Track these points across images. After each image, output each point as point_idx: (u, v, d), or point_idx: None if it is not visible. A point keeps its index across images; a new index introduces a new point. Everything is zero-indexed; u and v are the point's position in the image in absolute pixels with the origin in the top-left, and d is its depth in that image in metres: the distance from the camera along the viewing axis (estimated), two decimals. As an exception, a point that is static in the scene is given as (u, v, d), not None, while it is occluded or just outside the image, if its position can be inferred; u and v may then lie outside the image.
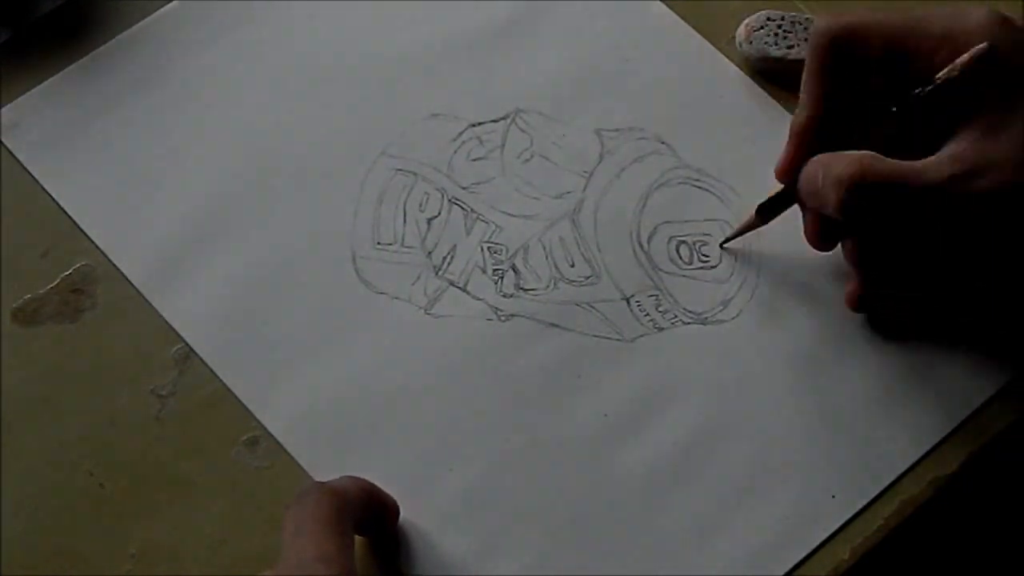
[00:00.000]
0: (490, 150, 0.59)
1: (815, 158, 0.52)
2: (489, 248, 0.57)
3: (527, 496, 0.52)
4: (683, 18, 0.62)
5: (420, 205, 0.58)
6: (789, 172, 0.54)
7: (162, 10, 0.62)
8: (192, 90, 0.61)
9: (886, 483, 0.53)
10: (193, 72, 0.61)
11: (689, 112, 0.60)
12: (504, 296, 0.56)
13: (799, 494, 0.52)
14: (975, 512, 0.58)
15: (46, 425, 0.54)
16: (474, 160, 0.59)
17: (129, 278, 0.56)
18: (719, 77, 0.61)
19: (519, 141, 0.59)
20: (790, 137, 0.54)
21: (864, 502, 0.52)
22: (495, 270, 0.57)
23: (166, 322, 0.55)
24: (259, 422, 0.54)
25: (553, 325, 0.56)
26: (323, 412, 0.54)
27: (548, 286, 0.56)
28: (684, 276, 0.57)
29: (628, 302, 0.56)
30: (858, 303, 0.55)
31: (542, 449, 0.53)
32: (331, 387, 0.54)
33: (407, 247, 0.57)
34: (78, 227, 0.57)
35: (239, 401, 0.54)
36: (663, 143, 0.59)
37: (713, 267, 0.57)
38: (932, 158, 0.50)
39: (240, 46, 0.62)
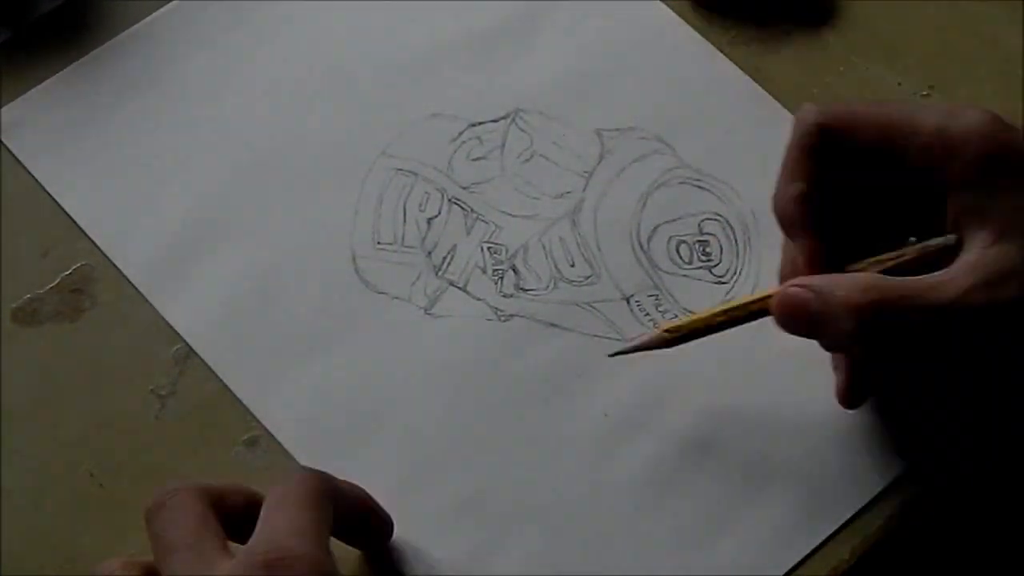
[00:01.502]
0: (490, 150, 0.59)
1: (796, 281, 0.49)
2: (489, 248, 0.57)
3: (527, 496, 0.52)
4: (683, 18, 0.62)
5: (420, 205, 0.58)
6: (815, 266, 0.50)
7: (162, 10, 0.62)
8: (192, 90, 0.61)
9: (887, 482, 0.53)
10: (193, 72, 0.61)
11: (689, 112, 0.60)
12: (504, 296, 0.56)
13: (799, 494, 0.52)
14: (977, 512, 0.58)
15: (46, 425, 0.54)
16: (474, 160, 0.59)
17: (129, 278, 0.56)
18: (719, 77, 0.61)
19: (519, 141, 0.59)
20: (786, 229, 0.51)
21: (864, 502, 0.52)
22: (495, 270, 0.57)
23: (166, 322, 0.55)
24: (259, 422, 0.54)
25: (553, 325, 0.55)
26: (323, 412, 0.54)
27: (548, 286, 0.56)
28: (684, 276, 0.57)
29: (628, 302, 0.56)
30: (850, 401, 0.53)
31: (542, 449, 0.53)
32: (331, 387, 0.54)
33: (407, 247, 0.57)
34: (78, 227, 0.57)
35: (239, 401, 0.54)
36: (663, 143, 0.59)
37: (713, 267, 0.57)
38: (945, 272, 0.48)
39: (240, 46, 0.62)
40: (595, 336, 0.55)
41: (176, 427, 0.54)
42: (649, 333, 0.53)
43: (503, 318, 0.56)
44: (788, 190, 0.51)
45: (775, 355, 0.55)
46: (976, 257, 0.48)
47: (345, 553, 0.50)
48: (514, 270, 0.57)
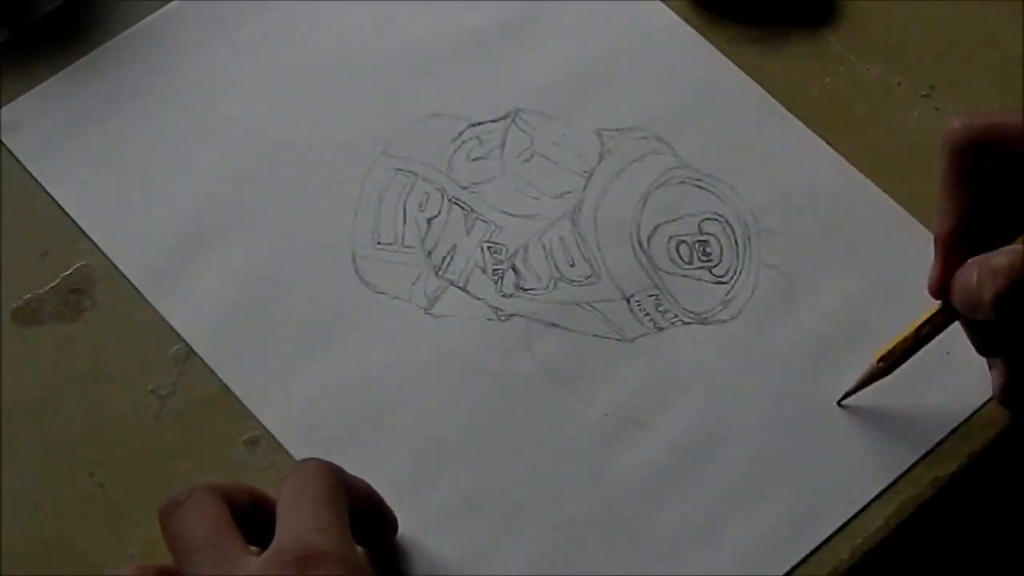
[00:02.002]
0: (490, 150, 0.59)
1: (969, 261, 0.49)
2: (489, 248, 0.57)
3: (527, 496, 0.52)
4: (683, 18, 0.62)
5: (420, 205, 0.58)
6: (939, 287, 0.51)
7: (162, 10, 0.62)
8: (192, 90, 0.61)
9: (886, 483, 0.53)
10: (193, 72, 0.61)
11: (689, 112, 0.60)
12: (504, 296, 0.56)
13: (799, 494, 0.52)
14: (976, 512, 0.58)
15: (46, 425, 0.54)
16: (474, 160, 0.59)
17: (129, 278, 0.56)
18: (719, 77, 0.61)
19: (519, 141, 0.59)
20: (936, 251, 0.51)
21: (864, 502, 0.52)
22: (495, 270, 0.57)
23: (166, 322, 0.55)
24: (259, 422, 0.54)
25: (553, 325, 0.56)
26: (323, 412, 0.54)
27: (548, 286, 0.56)
28: (684, 276, 0.57)
29: (628, 302, 0.56)
30: (1006, 400, 0.53)
31: (542, 449, 0.53)
32: (331, 387, 0.54)
33: (407, 247, 0.57)
34: (78, 227, 0.57)
35: (239, 401, 0.54)
36: (663, 143, 0.59)
37: (713, 267, 0.57)
38: None
39: (240, 46, 0.62)
40: (595, 336, 0.55)
41: (176, 427, 0.54)
42: (866, 367, 0.53)
43: (503, 318, 0.56)
44: (945, 217, 0.50)
45: (775, 355, 0.55)
46: None
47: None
48: (514, 270, 0.57)
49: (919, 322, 0.52)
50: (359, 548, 0.51)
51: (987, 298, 0.47)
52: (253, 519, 0.46)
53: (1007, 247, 0.48)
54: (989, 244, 0.49)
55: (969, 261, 0.49)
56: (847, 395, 0.54)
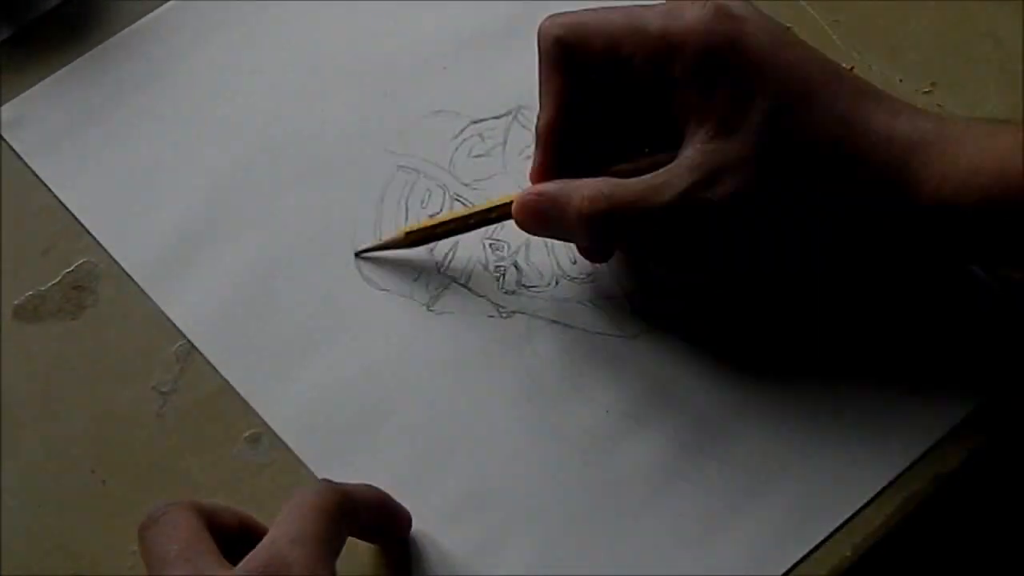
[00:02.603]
0: (492, 147, 0.59)
1: (534, 188, 0.52)
2: (491, 245, 0.57)
3: (528, 493, 0.52)
4: (684, 15, 0.62)
5: (422, 202, 0.58)
6: (543, 175, 0.53)
7: (163, 7, 0.62)
8: (193, 87, 0.61)
9: (888, 479, 0.53)
10: (194, 69, 0.61)
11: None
12: (506, 293, 0.56)
13: (800, 492, 0.52)
14: (978, 509, 0.58)
15: (47, 422, 0.54)
16: (476, 157, 0.59)
17: (131, 275, 0.56)
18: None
19: (521, 138, 0.59)
20: (537, 142, 0.53)
21: (865, 499, 0.52)
22: (497, 267, 0.57)
23: (168, 319, 0.55)
24: (261, 419, 0.54)
25: (555, 322, 0.55)
26: (325, 409, 0.54)
27: (550, 283, 0.56)
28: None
29: (630, 299, 0.56)
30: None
31: (543, 446, 0.53)
32: (333, 384, 0.54)
33: (409, 244, 0.57)
34: (80, 224, 0.57)
35: (241, 398, 0.54)
36: (665, 140, 0.59)
37: (715, 264, 0.57)
38: (667, 170, 0.49)
39: (241, 43, 0.62)
40: (597, 333, 0.55)
41: (178, 424, 0.54)
42: (392, 232, 0.55)
43: (505, 315, 0.56)
44: (544, 109, 0.52)
45: (775, 355, 0.55)
46: (694, 154, 0.49)
47: (351, 547, 0.49)
48: (516, 267, 0.57)
49: (470, 210, 0.55)
50: (364, 543, 0.51)
51: (578, 233, 0.51)
52: (241, 541, 0.46)
53: (589, 181, 0.51)
54: (582, 143, 0.52)
55: (532, 191, 0.52)
56: (365, 250, 0.56)
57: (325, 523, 0.45)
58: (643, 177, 0.50)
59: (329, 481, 0.48)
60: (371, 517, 0.49)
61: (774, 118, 0.48)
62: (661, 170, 0.50)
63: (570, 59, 0.51)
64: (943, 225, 0.49)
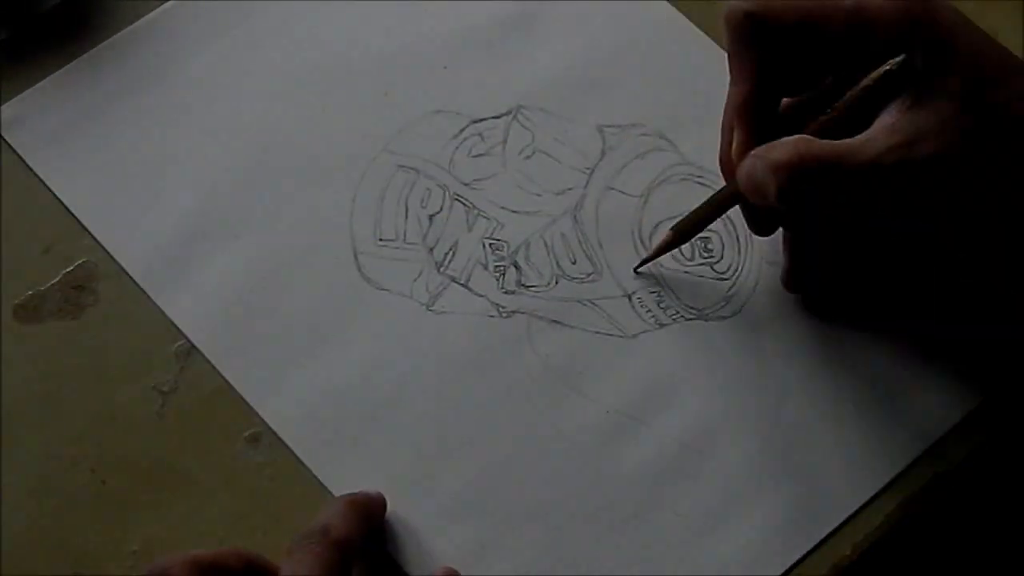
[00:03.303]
0: (492, 146, 0.59)
1: (751, 154, 0.51)
2: (491, 244, 0.57)
3: (528, 493, 0.52)
4: (684, 14, 0.62)
5: (422, 201, 0.58)
6: (745, 153, 0.52)
7: (163, 7, 0.62)
8: (193, 87, 0.61)
9: (888, 479, 0.53)
10: (194, 69, 0.61)
11: (691, 108, 0.60)
12: (506, 293, 0.56)
13: (800, 491, 0.52)
14: (977, 507, 0.58)
15: (47, 422, 0.54)
16: (476, 156, 0.59)
17: (131, 274, 0.56)
18: (721, 74, 0.61)
19: (521, 137, 0.59)
20: (735, 120, 0.53)
21: (866, 499, 0.52)
22: (497, 266, 0.57)
23: (168, 318, 0.55)
24: (261, 418, 0.54)
25: (555, 322, 0.56)
26: (325, 408, 0.54)
27: (550, 283, 0.56)
28: (686, 272, 0.57)
29: (630, 298, 0.56)
30: (791, 283, 0.56)
31: (543, 446, 0.53)
32: (333, 383, 0.54)
33: (409, 243, 0.57)
34: (80, 224, 0.57)
35: (241, 397, 0.54)
36: (665, 139, 0.59)
37: (715, 263, 0.57)
38: (865, 134, 0.50)
39: (242, 42, 0.62)
40: (597, 333, 0.55)
41: (178, 423, 0.54)
42: (661, 236, 0.55)
43: (505, 314, 0.56)
44: (738, 88, 0.52)
45: (777, 351, 0.55)
46: (894, 119, 0.49)
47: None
48: (516, 266, 0.57)
49: (711, 198, 0.54)
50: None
51: (771, 190, 0.49)
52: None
53: (786, 139, 0.50)
54: (776, 123, 0.52)
55: (751, 153, 0.51)
56: (643, 263, 0.56)
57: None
58: (842, 140, 0.50)
59: (325, 532, 0.48)
60: (362, 540, 0.49)
61: (970, 88, 0.49)
62: (860, 135, 0.50)
63: (761, 33, 0.52)
64: None
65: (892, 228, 0.53)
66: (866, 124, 0.50)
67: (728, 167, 0.53)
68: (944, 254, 0.55)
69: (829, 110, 0.51)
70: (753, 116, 0.52)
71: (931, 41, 0.49)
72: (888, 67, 0.49)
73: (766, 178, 0.50)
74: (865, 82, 0.50)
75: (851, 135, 0.49)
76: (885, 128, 0.49)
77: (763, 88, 0.52)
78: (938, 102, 0.49)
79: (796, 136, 0.50)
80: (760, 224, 0.55)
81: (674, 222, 0.56)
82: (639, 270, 0.56)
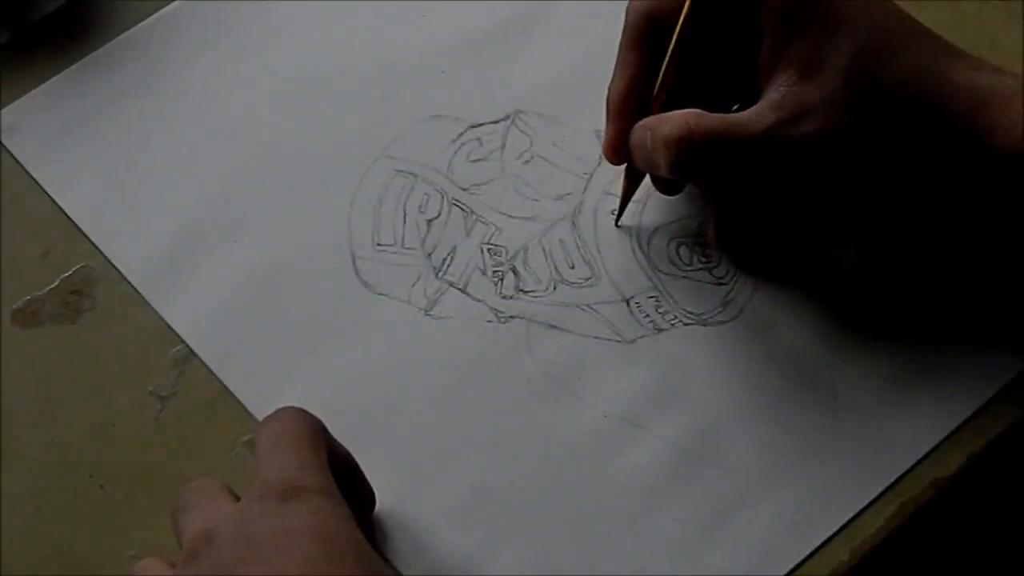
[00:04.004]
0: (490, 151, 0.59)
1: (640, 123, 0.53)
2: (489, 250, 0.57)
3: (526, 497, 0.52)
4: (683, 19, 0.62)
5: (420, 206, 0.58)
6: (619, 149, 0.54)
7: (162, 11, 0.62)
8: (192, 91, 0.61)
9: (887, 483, 0.53)
10: (193, 73, 0.61)
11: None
12: (504, 298, 0.56)
13: (799, 494, 0.52)
14: (976, 513, 0.58)
15: (46, 426, 0.54)
16: (474, 161, 0.59)
17: (129, 279, 0.56)
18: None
19: (519, 142, 0.59)
20: (610, 114, 0.54)
21: (864, 503, 0.52)
22: (495, 272, 0.57)
23: (166, 323, 0.55)
24: (259, 424, 0.53)
25: (553, 327, 0.55)
26: (323, 414, 0.53)
27: (548, 288, 0.56)
28: (684, 277, 0.57)
29: (628, 303, 0.56)
30: (717, 239, 0.56)
31: (541, 450, 0.53)
32: (331, 388, 0.54)
33: (407, 248, 0.57)
34: (78, 228, 0.57)
35: (239, 402, 0.54)
36: (663, 144, 0.59)
37: (713, 268, 0.57)
38: (753, 108, 0.50)
39: (240, 47, 0.62)
40: (595, 338, 0.55)
41: (176, 428, 0.54)
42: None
43: (503, 320, 0.56)
44: (618, 82, 0.54)
45: (775, 356, 0.55)
46: (779, 96, 0.50)
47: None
48: (514, 272, 0.57)
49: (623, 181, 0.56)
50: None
51: (663, 164, 0.51)
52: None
53: (675, 112, 0.51)
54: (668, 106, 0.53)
55: (640, 124, 0.53)
56: (619, 216, 0.57)
57: (316, 448, 0.47)
58: (729, 115, 0.51)
59: (294, 407, 0.49)
60: (337, 454, 0.49)
61: (857, 63, 0.49)
62: (747, 110, 0.51)
63: (653, 32, 0.53)
64: None
65: (779, 199, 0.53)
66: (752, 97, 0.51)
67: (609, 156, 0.55)
68: (824, 227, 0.55)
69: (661, 84, 0.53)
70: (627, 110, 0.54)
71: (820, 15, 0.50)
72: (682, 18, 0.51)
73: (657, 151, 0.51)
74: (672, 45, 0.52)
75: (707, 107, 0.51)
76: (772, 103, 0.50)
77: (641, 85, 0.53)
78: (823, 78, 0.49)
79: (685, 110, 0.51)
80: (664, 184, 0.56)
81: (670, 228, 0.56)
82: (619, 224, 0.57)
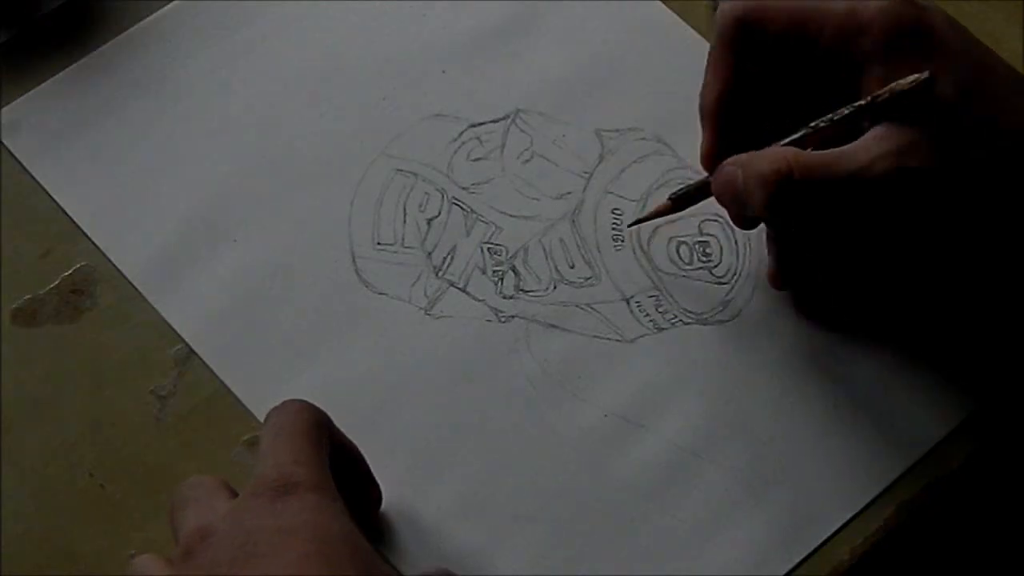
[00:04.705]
0: (490, 150, 0.59)
1: (731, 159, 0.51)
2: (489, 249, 0.57)
3: (526, 497, 0.52)
4: (682, 18, 0.62)
5: (420, 205, 0.58)
6: (712, 158, 0.53)
7: (162, 10, 0.62)
8: (192, 90, 0.61)
9: (886, 483, 0.53)
10: (193, 72, 0.61)
11: (689, 112, 0.60)
12: (504, 297, 0.56)
13: (799, 494, 0.52)
14: (975, 512, 0.58)
15: (46, 426, 0.54)
16: (474, 160, 0.59)
17: (129, 278, 0.56)
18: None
19: (519, 141, 0.59)
20: (703, 121, 0.54)
21: (864, 502, 0.52)
22: (495, 271, 0.57)
23: (166, 322, 0.55)
24: (259, 423, 0.54)
25: (553, 326, 0.56)
26: (323, 413, 0.54)
27: (548, 287, 0.56)
28: (684, 277, 0.57)
29: (628, 303, 0.56)
30: (779, 281, 0.56)
31: (541, 450, 0.53)
32: (331, 387, 0.54)
33: (407, 247, 0.57)
34: (78, 227, 0.57)
35: (239, 401, 0.54)
36: (663, 143, 0.59)
37: (713, 267, 0.57)
38: (854, 144, 0.49)
39: (240, 46, 0.62)
40: (595, 337, 0.55)
41: (176, 428, 0.54)
42: (658, 202, 0.56)
43: (503, 319, 0.56)
44: (711, 88, 0.53)
45: (775, 355, 0.55)
46: (884, 129, 0.49)
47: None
48: (514, 271, 0.57)
49: (680, 189, 0.55)
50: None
51: (757, 202, 0.49)
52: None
53: (769, 150, 0.50)
54: (754, 126, 0.52)
55: (730, 161, 0.51)
56: (637, 221, 0.56)
57: (315, 443, 0.47)
58: (829, 150, 0.50)
59: (299, 400, 0.49)
60: (342, 447, 0.49)
61: (959, 102, 0.49)
62: (848, 145, 0.50)
63: (746, 39, 0.52)
64: None
65: (878, 235, 0.52)
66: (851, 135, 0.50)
67: (705, 164, 0.54)
68: (927, 263, 0.55)
69: (831, 118, 0.51)
70: (720, 121, 0.53)
71: (925, 47, 0.49)
72: (909, 84, 0.49)
73: (751, 188, 0.50)
74: (879, 93, 0.49)
75: (834, 146, 0.49)
76: (874, 137, 0.49)
77: (736, 92, 0.53)
78: (926, 114, 0.49)
79: (781, 147, 0.50)
80: (745, 219, 0.54)
81: (670, 227, 0.56)
82: (631, 226, 0.57)
